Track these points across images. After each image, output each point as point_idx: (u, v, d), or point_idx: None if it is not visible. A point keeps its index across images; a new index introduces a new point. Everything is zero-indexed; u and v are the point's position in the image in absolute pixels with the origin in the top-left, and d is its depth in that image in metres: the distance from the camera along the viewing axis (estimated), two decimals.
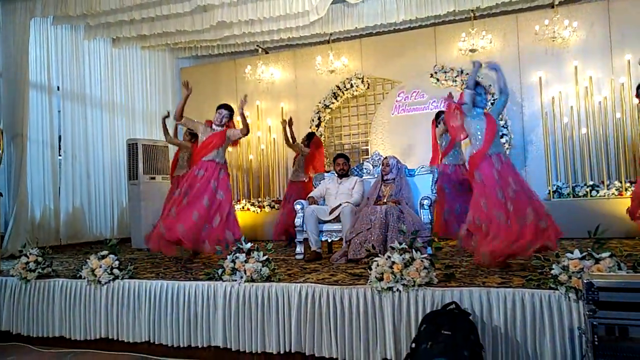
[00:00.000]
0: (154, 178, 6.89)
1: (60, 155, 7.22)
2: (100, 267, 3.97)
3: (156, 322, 3.80)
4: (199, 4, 6.24)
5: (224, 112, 5.16)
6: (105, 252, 4.04)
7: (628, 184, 6.03)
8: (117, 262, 4.00)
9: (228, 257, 3.65)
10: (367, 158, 6.60)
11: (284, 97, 8.14)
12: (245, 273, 3.55)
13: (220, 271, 3.67)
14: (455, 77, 7.04)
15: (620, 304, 2.31)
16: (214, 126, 5.16)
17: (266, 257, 3.63)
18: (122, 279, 3.98)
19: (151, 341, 3.81)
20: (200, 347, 3.65)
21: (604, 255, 2.81)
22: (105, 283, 3.97)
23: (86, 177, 7.45)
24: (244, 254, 3.61)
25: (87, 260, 4.06)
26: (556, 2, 6.64)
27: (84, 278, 4.03)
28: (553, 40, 6.54)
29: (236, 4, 6.41)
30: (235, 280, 3.57)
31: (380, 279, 3.19)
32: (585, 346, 2.39)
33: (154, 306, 3.82)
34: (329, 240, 5.19)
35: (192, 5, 6.27)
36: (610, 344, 2.30)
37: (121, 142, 7.80)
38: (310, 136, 6.99)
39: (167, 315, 3.76)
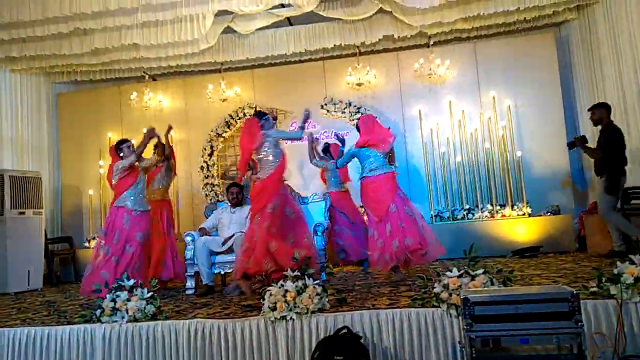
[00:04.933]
0: (23, 213, 6.20)
1: None
2: None
3: None
4: (78, 26, 5.87)
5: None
6: None
7: (498, 207, 6.68)
8: None
9: (107, 295, 3.35)
10: None
11: (173, 125, 7.84)
12: (127, 312, 3.28)
13: (98, 312, 3.35)
14: (344, 109, 7.34)
15: (493, 317, 2.49)
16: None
17: (151, 294, 3.40)
18: None
19: None
20: None
21: (478, 272, 3.04)
22: None
23: None
24: (125, 292, 3.34)
25: None
26: (431, 43, 7.28)
27: None
28: (430, 77, 7.13)
29: (119, 28, 6.14)
30: (117, 321, 3.28)
31: (274, 309, 3.14)
32: (466, 359, 2.53)
33: (19, 357, 3.37)
34: (222, 272, 5.03)
35: (70, 27, 5.87)
36: (486, 355, 2.46)
37: None
38: (326, 149, 6.53)
39: None
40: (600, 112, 5.20)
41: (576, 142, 5.30)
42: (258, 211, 4.35)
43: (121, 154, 4.89)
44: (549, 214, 6.52)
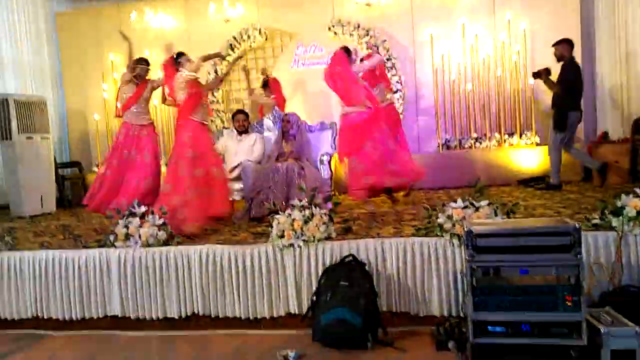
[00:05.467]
0: (31, 138, 6.23)
1: None
2: None
3: (43, 295, 3.54)
4: None
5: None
6: None
7: (506, 136, 6.63)
8: None
9: (120, 221, 3.46)
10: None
11: (176, 48, 7.61)
12: (140, 238, 3.39)
13: (112, 237, 3.47)
14: (352, 31, 7.06)
15: (494, 248, 2.56)
16: None
17: (162, 220, 3.50)
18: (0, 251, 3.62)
19: (39, 316, 3.57)
20: (95, 317, 3.49)
21: (482, 203, 3.08)
22: None
23: None
24: (137, 218, 3.44)
25: None
26: None
27: None
28: None
29: None
30: (130, 246, 3.41)
31: (282, 236, 3.24)
32: (466, 288, 2.64)
33: (40, 278, 3.54)
34: (230, 200, 5.11)
35: None
36: (486, 284, 2.56)
37: None
38: (265, 83, 6.34)
39: (56, 287, 3.52)
40: (563, 47, 5.24)
41: (540, 73, 5.37)
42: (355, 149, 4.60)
43: (181, 67, 4.40)
44: None
